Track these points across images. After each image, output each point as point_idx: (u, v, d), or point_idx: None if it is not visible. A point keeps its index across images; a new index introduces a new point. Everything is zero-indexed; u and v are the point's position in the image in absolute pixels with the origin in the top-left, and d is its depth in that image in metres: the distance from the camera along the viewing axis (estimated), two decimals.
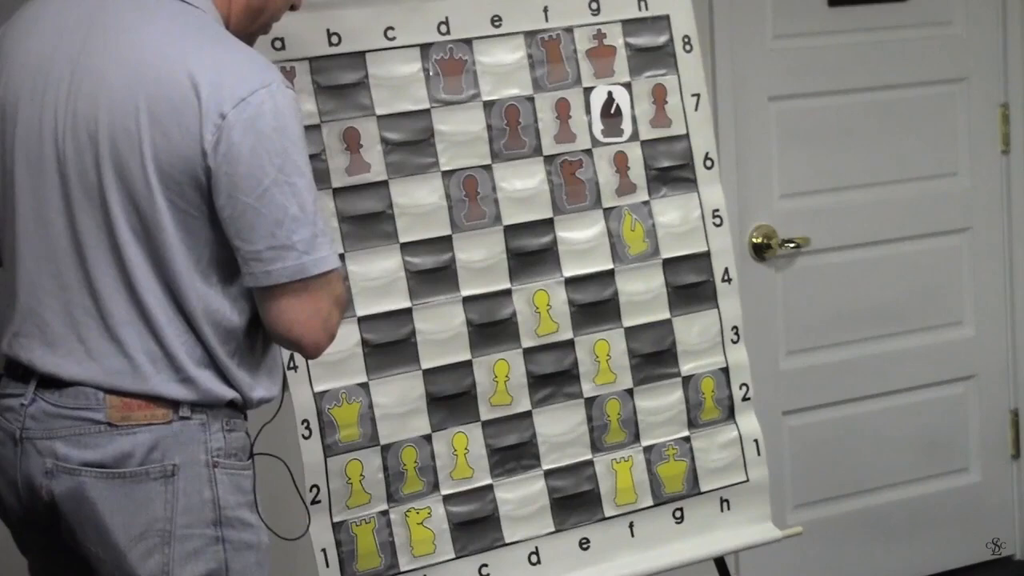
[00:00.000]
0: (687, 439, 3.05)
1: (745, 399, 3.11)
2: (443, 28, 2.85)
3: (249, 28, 2.41)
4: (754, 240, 4.06)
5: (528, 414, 2.92)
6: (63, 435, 2.24)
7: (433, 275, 2.84)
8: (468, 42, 2.87)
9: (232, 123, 2.17)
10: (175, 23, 2.25)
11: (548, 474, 2.94)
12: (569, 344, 2.95)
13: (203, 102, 2.17)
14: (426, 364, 2.83)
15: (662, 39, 3.04)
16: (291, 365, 2.72)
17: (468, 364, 2.87)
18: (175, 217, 2.22)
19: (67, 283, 2.27)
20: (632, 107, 3.00)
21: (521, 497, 2.91)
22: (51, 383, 2.27)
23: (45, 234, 2.28)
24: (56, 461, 2.24)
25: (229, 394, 2.29)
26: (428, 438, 2.84)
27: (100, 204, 2.23)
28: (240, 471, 2.31)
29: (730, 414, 3.10)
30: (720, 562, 3.14)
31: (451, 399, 2.86)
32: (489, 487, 2.89)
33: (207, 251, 2.25)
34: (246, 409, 2.35)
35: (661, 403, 3.03)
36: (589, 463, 2.98)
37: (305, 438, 2.74)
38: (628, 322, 3.00)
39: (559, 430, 2.94)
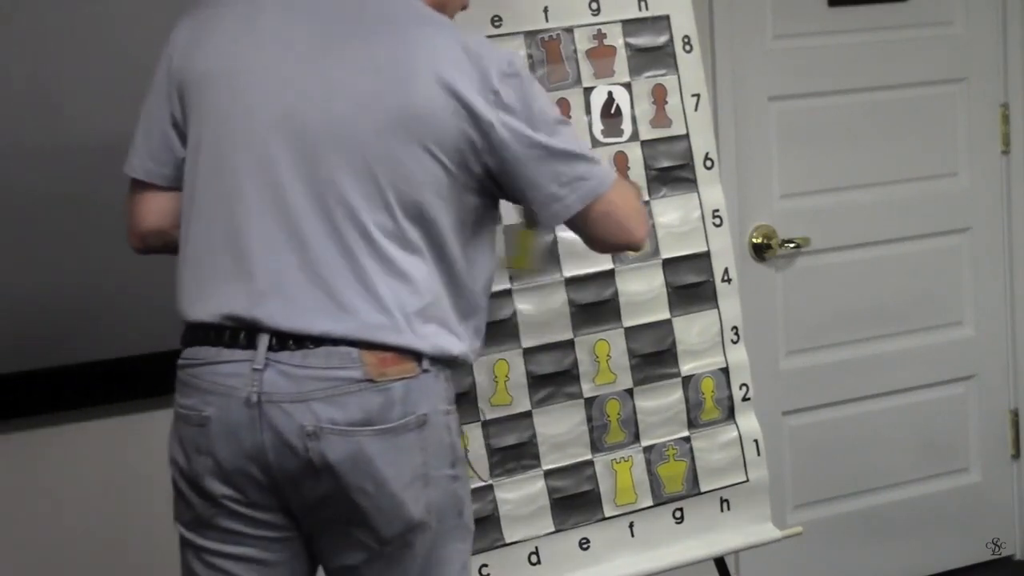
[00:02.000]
0: (687, 439, 3.05)
1: (745, 399, 3.11)
2: None
3: None
4: (754, 240, 4.06)
5: (528, 414, 2.92)
6: (320, 396, 2.31)
7: None
8: None
9: (503, 93, 2.35)
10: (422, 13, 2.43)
11: (548, 474, 2.94)
12: (569, 344, 2.95)
13: (477, 72, 2.35)
14: None
15: (662, 39, 3.03)
16: None
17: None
18: (437, 183, 2.35)
19: (312, 243, 2.33)
20: (632, 107, 3.00)
21: (521, 497, 2.91)
22: (287, 342, 2.32)
23: (282, 198, 2.34)
24: (319, 423, 2.31)
25: (458, 349, 2.42)
26: None
27: (362, 173, 2.33)
28: (455, 415, 2.47)
29: (730, 414, 3.10)
30: (720, 562, 3.14)
31: None
32: (489, 487, 2.89)
33: (462, 215, 2.39)
34: (456, 363, 2.47)
35: (661, 403, 3.03)
36: (589, 463, 2.98)
37: None
38: (628, 322, 3.00)
39: (559, 430, 2.94)
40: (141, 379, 3.27)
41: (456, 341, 2.41)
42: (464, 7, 2.61)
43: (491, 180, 2.41)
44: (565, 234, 2.93)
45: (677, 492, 3.05)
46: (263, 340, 2.33)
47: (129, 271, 3.01)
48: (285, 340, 2.32)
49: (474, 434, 2.87)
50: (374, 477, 2.33)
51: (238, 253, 2.36)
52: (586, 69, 2.97)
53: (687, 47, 3.05)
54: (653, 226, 3.01)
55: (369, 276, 2.33)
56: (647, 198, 3.01)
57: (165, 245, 2.52)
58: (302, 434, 2.31)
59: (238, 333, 2.35)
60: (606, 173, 2.47)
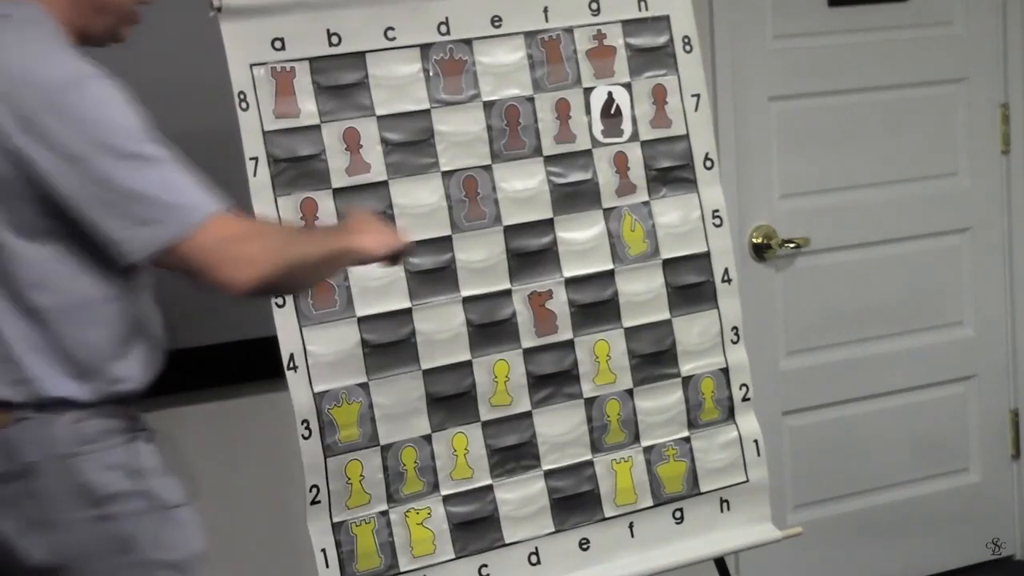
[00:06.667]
0: (687, 439, 3.06)
1: (745, 399, 3.11)
2: (443, 28, 2.85)
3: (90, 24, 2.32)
4: (754, 240, 4.06)
5: (528, 414, 2.93)
6: None
7: (433, 275, 2.84)
8: (468, 42, 2.87)
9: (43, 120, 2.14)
10: None
11: (548, 474, 2.94)
12: (569, 344, 2.95)
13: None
14: (426, 364, 2.83)
15: (662, 39, 3.04)
16: (291, 365, 2.72)
17: (468, 364, 2.87)
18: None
19: None
20: (632, 107, 3.00)
21: (521, 497, 2.92)
22: None
23: None
24: None
25: (63, 390, 2.26)
26: (428, 438, 2.84)
27: None
28: (112, 449, 2.31)
29: (730, 414, 3.10)
30: (720, 562, 3.14)
31: (451, 399, 2.86)
32: (489, 487, 2.89)
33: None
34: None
35: (661, 403, 3.03)
36: (589, 463, 2.98)
37: (305, 438, 2.74)
38: (628, 322, 3.00)
39: (559, 430, 2.95)
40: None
41: (68, 382, 2.24)
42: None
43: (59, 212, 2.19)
44: (565, 234, 2.94)
45: (677, 492, 3.05)
46: None
47: None
48: None
49: (474, 434, 2.88)
50: None
51: None
52: (586, 69, 2.97)
53: (687, 47, 3.06)
54: (653, 226, 3.01)
55: None
56: (647, 198, 3.01)
57: None
58: None
59: None
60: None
